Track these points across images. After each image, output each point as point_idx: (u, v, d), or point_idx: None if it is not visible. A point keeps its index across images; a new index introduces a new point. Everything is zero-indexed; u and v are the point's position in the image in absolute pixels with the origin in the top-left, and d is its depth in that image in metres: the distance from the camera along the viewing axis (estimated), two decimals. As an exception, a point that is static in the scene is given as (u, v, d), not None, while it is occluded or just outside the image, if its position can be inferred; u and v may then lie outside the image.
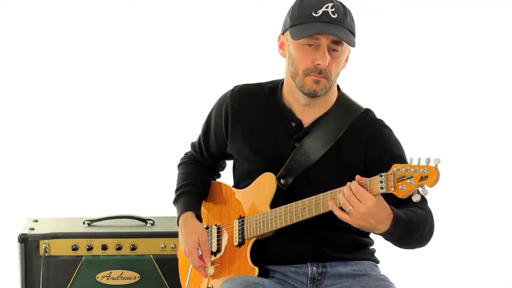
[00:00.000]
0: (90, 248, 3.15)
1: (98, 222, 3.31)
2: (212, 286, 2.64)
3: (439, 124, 4.32)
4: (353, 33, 2.45)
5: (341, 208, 2.28)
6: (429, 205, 2.44)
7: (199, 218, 2.67)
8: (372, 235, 2.57)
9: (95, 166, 4.24)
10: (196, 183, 2.74)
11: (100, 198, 4.09)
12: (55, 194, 4.15)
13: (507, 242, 4.31)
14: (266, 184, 2.53)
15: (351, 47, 2.47)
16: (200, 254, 2.60)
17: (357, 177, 2.26)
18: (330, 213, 2.32)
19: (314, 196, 2.37)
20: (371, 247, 2.62)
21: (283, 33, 2.52)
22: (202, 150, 2.77)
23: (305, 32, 2.40)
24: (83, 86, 4.26)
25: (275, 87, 2.61)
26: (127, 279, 3.17)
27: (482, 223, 4.27)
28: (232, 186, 2.70)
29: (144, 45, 4.25)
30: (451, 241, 4.09)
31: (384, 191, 2.20)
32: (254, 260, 2.52)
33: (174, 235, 3.06)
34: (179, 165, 2.83)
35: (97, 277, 3.16)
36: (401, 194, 2.18)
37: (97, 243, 3.16)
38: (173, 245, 3.17)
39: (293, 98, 2.54)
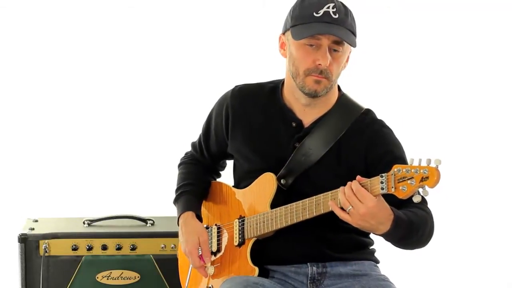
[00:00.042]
0: (90, 248, 3.15)
1: (98, 222, 3.31)
2: (212, 286, 2.64)
3: (440, 124, 4.32)
4: (354, 34, 2.45)
5: (341, 208, 2.28)
6: (429, 205, 2.44)
7: (199, 218, 2.67)
8: (372, 235, 2.56)
9: (95, 166, 4.25)
10: (196, 182, 2.74)
11: (100, 198, 4.09)
12: (55, 194, 4.15)
13: (507, 242, 4.31)
14: (266, 184, 2.53)
15: (352, 47, 2.47)
16: (200, 254, 2.60)
17: (358, 177, 2.26)
18: (331, 213, 2.32)
19: (314, 196, 2.37)
20: (371, 247, 2.62)
21: (284, 33, 2.52)
22: (202, 149, 2.77)
23: (306, 32, 2.40)
24: (83, 86, 4.26)
25: (275, 87, 2.61)
26: (127, 279, 3.17)
27: (482, 223, 4.28)
28: (233, 186, 2.70)
29: (144, 45, 4.25)
30: (451, 241, 4.09)
31: (384, 191, 2.20)
32: (254, 260, 2.52)
33: (174, 235, 3.07)
34: (179, 165, 2.83)
35: (97, 277, 3.15)
36: (401, 195, 2.18)
37: (97, 243, 3.16)
38: (173, 245, 3.17)
39: (293, 98, 2.54)
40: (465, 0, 4.25)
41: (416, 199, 2.17)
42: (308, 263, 2.52)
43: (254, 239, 2.53)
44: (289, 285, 2.52)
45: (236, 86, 2.67)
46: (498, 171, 4.34)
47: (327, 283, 2.52)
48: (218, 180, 2.83)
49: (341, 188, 2.28)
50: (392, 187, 2.19)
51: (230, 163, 2.77)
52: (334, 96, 2.55)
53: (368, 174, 2.30)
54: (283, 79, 2.59)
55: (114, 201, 3.96)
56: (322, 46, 2.41)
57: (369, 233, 2.58)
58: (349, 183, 2.26)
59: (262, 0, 4.25)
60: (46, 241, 3.13)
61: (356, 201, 2.23)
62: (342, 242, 2.54)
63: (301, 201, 2.41)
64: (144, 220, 3.34)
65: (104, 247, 3.16)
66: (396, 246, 2.38)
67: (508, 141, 4.35)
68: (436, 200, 2.45)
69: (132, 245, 3.17)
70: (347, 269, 2.53)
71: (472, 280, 4.21)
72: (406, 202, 2.26)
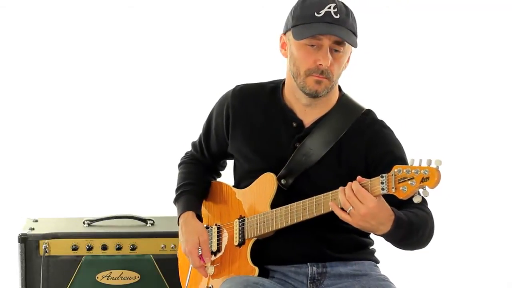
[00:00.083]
0: (90, 248, 3.15)
1: (98, 222, 3.31)
2: (212, 285, 2.64)
3: (440, 125, 4.32)
4: (355, 34, 2.45)
5: (342, 209, 2.28)
6: (429, 206, 2.44)
7: (200, 218, 2.67)
8: (372, 235, 2.56)
9: (95, 166, 4.24)
10: (196, 182, 2.74)
11: (100, 198, 4.09)
12: (55, 194, 4.15)
13: (507, 242, 4.31)
14: (266, 184, 2.53)
15: (353, 48, 2.47)
16: (200, 253, 2.60)
17: (358, 177, 2.26)
18: (331, 213, 2.32)
19: (314, 197, 2.37)
20: (371, 247, 2.62)
21: (285, 33, 2.51)
22: (202, 149, 2.77)
23: (307, 32, 2.40)
24: (83, 86, 4.26)
25: (276, 87, 2.60)
26: (127, 279, 3.17)
27: (482, 223, 4.28)
28: (233, 186, 2.70)
29: (144, 45, 4.25)
30: (451, 241, 4.09)
31: (385, 192, 2.20)
32: (254, 260, 2.52)
33: (174, 235, 3.07)
34: (179, 165, 2.83)
35: (97, 277, 3.15)
36: (402, 195, 2.18)
37: (97, 243, 3.16)
38: (173, 245, 3.17)
39: (294, 98, 2.54)
40: (465, 0, 4.25)
41: (417, 199, 2.17)
42: (308, 263, 2.52)
43: (254, 239, 2.53)
44: (289, 285, 2.52)
45: (236, 86, 2.67)
46: (498, 171, 4.34)
47: (327, 283, 2.52)
48: (218, 180, 2.83)
49: (341, 188, 2.27)
50: (393, 188, 2.19)
51: (230, 163, 2.77)
52: (335, 96, 2.55)
53: (369, 175, 2.30)
54: (284, 79, 2.59)
55: (114, 201, 3.95)
56: (323, 46, 2.41)
57: (369, 233, 2.58)
58: (349, 183, 2.26)
59: (262, 0, 4.25)
60: (46, 241, 3.13)
61: (357, 202, 2.23)
62: (342, 242, 2.54)
63: (301, 201, 2.41)
64: (144, 220, 3.33)
65: (104, 247, 3.16)
66: (397, 247, 2.38)
67: (508, 142, 4.35)
68: (436, 201, 2.45)
69: (132, 245, 3.17)
70: (347, 269, 2.53)
71: (472, 280, 4.21)
72: (407, 202, 2.26)
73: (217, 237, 2.66)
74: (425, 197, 2.22)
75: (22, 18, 4.18)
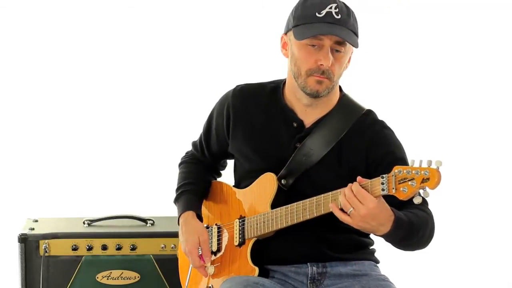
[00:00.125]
0: (90, 248, 3.15)
1: (98, 222, 3.31)
2: (212, 285, 2.64)
3: (441, 125, 4.32)
4: (356, 34, 2.45)
5: (342, 210, 2.28)
6: (429, 206, 2.44)
7: (200, 218, 2.67)
8: (372, 236, 2.56)
9: (95, 166, 4.24)
10: (197, 182, 2.74)
11: (100, 198, 4.09)
12: (55, 194, 4.15)
13: (507, 243, 4.31)
14: (267, 184, 2.53)
15: (353, 48, 2.47)
16: (200, 253, 2.60)
17: (359, 178, 2.26)
18: (331, 213, 2.32)
19: (315, 197, 2.37)
20: (371, 247, 2.62)
21: (286, 33, 2.51)
22: (203, 149, 2.77)
23: (309, 32, 2.40)
24: (83, 86, 4.26)
25: (277, 87, 2.60)
26: (127, 279, 3.17)
27: (482, 224, 4.28)
28: (233, 186, 2.69)
29: (145, 45, 4.25)
30: (451, 241, 4.09)
31: (385, 192, 2.20)
32: (254, 260, 2.52)
33: (174, 235, 3.07)
34: (180, 164, 2.83)
35: (97, 277, 3.15)
36: (402, 196, 2.18)
37: (97, 243, 3.16)
38: (173, 245, 3.17)
39: (295, 98, 2.54)
40: (465, 0, 4.25)
41: (417, 200, 2.17)
42: (308, 263, 2.52)
43: (254, 239, 2.53)
44: (289, 285, 2.52)
45: (237, 86, 2.67)
46: (499, 172, 4.34)
47: (327, 283, 2.52)
48: (218, 179, 2.83)
49: (342, 189, 2.27)
50: (393, 188, 2.19)
51: (230, 163, 2.77)
52: (336, 96, 2.55)
53: (369, 175, 2.30)
54: (285, 79, 2.59)
55: (114, 201, 3.95)
56: (324, 47, 2.41)
57: (369, 234, 2.57)
58: (349, 184, 2.26)
59: (262, 0, 4.25)
60: (46, 241, 3.13)
61: (357, 203, 2.23)
62: (342, 242, 2.54)
63: (301, 201, 2.40)
64: (144, 220, 3.33)
65: (104, 247, 3.16)
66: (397, 247, 2.38)
67: (508, 142, 4.35)
68: (437, 201, 2.45)
69: (132, 245, 3.17)
70: (347, 269, 2.53)
71: (472, 280, 4.21)
72: (407, 203, 2.26)
73: (217, 237, 2.66)
74: (425, 198, 2.21)
75: (22, 18, 4.19)
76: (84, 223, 3.28)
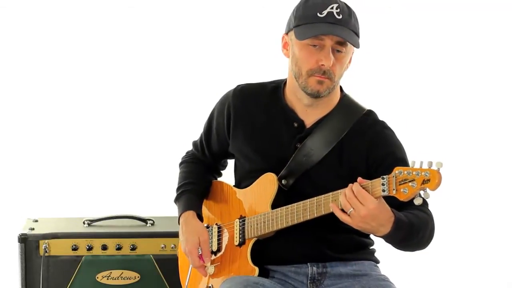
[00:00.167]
0: (90, 248, 3.15)
1: (98, 222, 3.31)
2: (212, 285, 2.64)
3: (441, 126, 4.32)
4: (357, 34, 2.45)
5: (342, 210, 2.28)
6: (430, 207, 2.44)
7: (200, 217, 2.67)
8: (372, 236, 2.56)
9: (95, 166, 4.24)
10: (197, 182, 2.74)
11: (100, 198, 4.09)
12: (55, 194, 4.15)
13: (507, 243, 4.31)
14: (267, 184, 2.53)
15: (354, 48, 2.47)
16: (200, 253, 2.60)
17: (359, 179, 2.26)
18: (331, 214, 2.32)
19: (315, 197, 2.37)
20: (371, 247, 2.62)
21: (287, 33, 2.51)
22: (203, 149, 2.77)
23: (310, 32, 2.40)
24: (83, 86, 4.26)
25: (277, 87, 2.60)
26: (127, 279, 3.17)
27: (482, 225, 4.28)
28: (233, 186, 2.69)
29: (145, 45, 4.25)
30: (451, 242, 4.09)
31: (386, 193, 2.20)
32: (254, 260, 2.52)
33: (174, 235, 3.07)
34: (180, 164, 2.83)
35: (97, 277, 3.15)
36: (402, 197, 2.18)
37: (97, 243, 3.16)
38: (173, 245, 3.17)
39: (295, 98, 2.54)
40: (466, 0, 4.25)
41: (417, 201, 2.17)
42: (308, 263, 2.52)
43: (254, 239, 2.53)
44: (289, 285, 2.52)
45: (238, 86, 2.67)
46: (499, 173, 4.34)
47: (327, 283, 2.52)
48: (219, 179, 2.83)
49: (342, 190, 2.28)
50: (393, 189, 2.19)
51: (231, 162, 2.77)
52: (336, 96, 2.55)
53: (369, 175, 2.30)
54: (285, 79, 2.59)
55: (114, 201, 3.95)
56: (326, 47, 2.41)
57: (370, 234, 2.57)
58: (350, 185, 2.26)
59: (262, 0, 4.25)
60: (46, 241, 3.13)
61: (357, 203, 2.23)
62: (342, 242, 2.54)
63: (301, 202, 2.40)
64: (144, 220, 3.33)
65: (104, 247, 3.16)
66: (397, 248, 2.39)
67: (508, 143, 4.35)
68: (437, 202, 2.45)
69: (132, 245, 3.17)
70: (347, 269, 2.53)
71: (472, 280, 4.21)
72: (407, 204, 2.26)
73: (218, 237, 2.66)
74: (425, 199, 2.21)
75: (22, 18, 4.19)
76: (84, 223, 3.28)
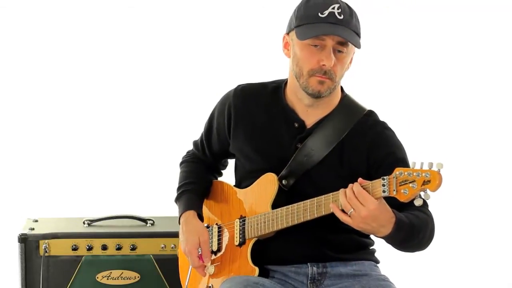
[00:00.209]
0: (90, 248, 3.15)
1: (98, 222, 3.31)
2: (212, 285, 2.64)
3: (442, 126, 4.31)
4: (358, 35, 2.45)
5: (342, 211, 2.28)
6: (430, 207, 2.44)
7: (201, 217, 2.67)
8: (372, 236, 2.56)
9: (95, 166, 4.24)
10: (198, 181, 2.74)
11: (100, 198, 4.09)
12: (55, 194, 4.15)
13: (507, 244, 4.31)
14: (267, 184, 2.53)
15: (355, 49, 2.47)
16: (200, 253, 2.60)
17: (360, 179, 2.26)
18: (331, 214, 2.32)
19: (315, 198, 2.37)
20: (371, 248, 2.62)
21: (288, 33, 2.51)
22: (204, 148, 2.77)
23: (311, 32, 2.40)
24: (83, 86, 4.26)
25: (278, 87, 2.60)
26: (127, 279, 3.17)
27: (482, 225, 4.28)
28: (234, 186, 2.69)
29: (145, 45, 4.25)
30: (452, 242, 4.09)
31: (386, 194, 2.20)
32: (255, 260, 2.52)
33: (174, 235, 3.07)
34: (181, 163, 2.83)
35: (97, 277, 3.15)
36: (403, 198, 2.18)
37: (97, 243, 3.16)
38: (173, 245, 3.17)
39: (296, 98, 2.54)
40: (465, 1, 4.25)
41: (418, 202, 2.17)
42: (308, 263, 2.52)
43: (254, 239, 2.53)
44: (289, 285, 2.52)
45: (238, 86, 2.67)
46: (499, 174, 4.34)
47: (327, 283, 2.52)
48: (219, 179, 2.83)
49: (342, 190, 2.28)
50: (394, 190, 2.19)
51: (231, 162, 2.77)
52: (337, 97, 2.55)
53: (369, 176, 2.31)
54: (286, 79, 2.59)
55: (114, 201, 3.95)
56: (327, 47, 2.41)
57: (370, 234, 2.58)
58: (350, 185, 2.26)
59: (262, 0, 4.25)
60: (46, 241, 3.12)
61: (358, 204, 2.23)
62: (343, 242, 2.54)
63: (302, 202, 2.40)
64: (144, 220, 3.33)
65: (104, 247, 3.16)
66: (397, 249, 2.39)
67: (509, 145, 4.35)
68: (437, 203, 2.45)
69: (132, 245, 3.17)
70: (347, 269, 2.53)
71: (472, 280, 4.21)
72: (407, 204, 2.26)
73: (218, 237, 2.66)
74: (426, 200, 2.22)
75: (22, 18, 4.18)
76: (84, 223, 3.28)
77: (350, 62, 2.50)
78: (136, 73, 4.26)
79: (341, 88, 2.58)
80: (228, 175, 2.82)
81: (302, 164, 2.50)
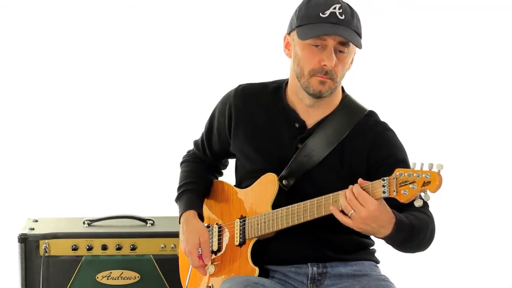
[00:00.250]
0: (90, 248, 3.15)
1: (98, 222, 3.31)
2: (212, 285, 2.64)
3: (442, 126, 4.31)
4: (359, 35, 2.45)
5: (342, 212, 2.28)
6: (430, 208, 2.44)
7: (201, 217, 2.67)
8: (372, 236, 2.56)
9: (95, 166, 4.24)
10: (198, 181, 2.74)
11: (100, 198, 4.09)
12: (55, 194, 4.15)
13: (507, 244, 4.31)
14: (268, 184, 2.53)
15: (356, 49, 2.47)
16: (200, 253, 2.60)
17: (360, 180, 2.26)
18: (331, 215, 2.32)
19: (316, 198, 2.37)
20: (371, 248, 2.62)
21: (289, 33, 2.51)
22: (204, 148, 2.77)
23: (312, 32, 2.40)
24: (83, 86, 4.25)
25: (279, 87, 2.60)
26: (127, 279, 3.17)
27: (482, 226, 4.28)
28: (234, 185, 2.69)
29: (145, 45, 4.25)
30: (451, 242, 4.09)
31: (386, 195, 2.20)
32: (255, 260, 2.52)
33: (174, 235, 3.07)
34: (181, 163, 2.83)
35: (97, 277, 3.15)
36: (403, 199, 2.18)
37: (97, 243, 3.16)
38: (173, 245, 3.17)
39: (297, 98, 2.54)
40: (465, 0, 4.25)
41: (418, 203, 2.17)
42: (309, 263, 2.52)
43: (255, 239, 2.53)
44: (289, 285, 2.52)
45: (239, 85, 2.66)
46: (499, 175, 4.34)
47: (327, 283, 2.52)
48: (220, 178, 2.83)
49: (342, 191, 2.28)
50: (394, 191, 2.19)
51: (232, 162, 2.77)
52: (338, 97, 2.55)
53: (369, 176, 2.31)
54: (287, 79, 2.59)
55: (114, 201, 3.95)
56: (328, 47, 2.41)
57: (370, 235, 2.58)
58: (350, 186, 2.26)
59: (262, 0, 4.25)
60: (46, 241, 3.12)
61: (358, 205, 2.23)
62: (343, 243, 2.54)
63: (302, 202, 2.40)
64: (144, 220, 3.33)
65: (104, 247, 3.16)
66: (397, 250, 2.39)
67: (509, 146, 4.35)
68: (437, 203, 2.45)
69: (132, 245, 3.17)
70: (348, 269, 2.53)
71: (472, 281, 4.22)
72: (407, 205, 2.26)
73: (218, 236, 2.66)
74: (426, 201, 2.21)
75: (22, 18, 4.18)
76: (84, 223, 3.28)
77: (351, 62, 2.50)
78: (136, 73, 4.26)
79: (342, 88, 2.58)
80: (228, 175, 2.82)
81: (303, 165, 2.50)
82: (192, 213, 2.66)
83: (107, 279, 3.16)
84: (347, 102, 2.55)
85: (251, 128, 2.60)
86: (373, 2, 4.16)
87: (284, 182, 2.51)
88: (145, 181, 4.18)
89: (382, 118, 2.56)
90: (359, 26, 2.45)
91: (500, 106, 4.35)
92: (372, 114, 2.55)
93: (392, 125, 2.54)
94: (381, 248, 2.60)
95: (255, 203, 2.56)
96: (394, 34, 4.26)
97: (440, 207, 2.58)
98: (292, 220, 2.43)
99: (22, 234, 3.13)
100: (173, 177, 2.84)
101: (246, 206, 2.60)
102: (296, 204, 2.42)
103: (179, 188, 2.74)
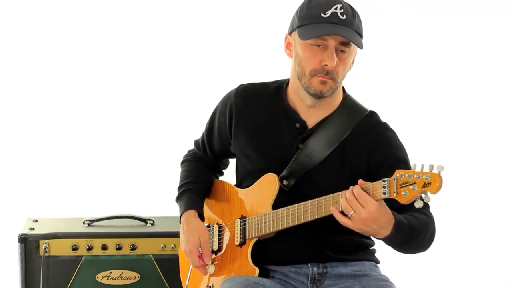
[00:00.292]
0: (90, 248, 3.15)
1: (98, 222, 3.31)
2: (212, 284, 2.64)
3: (443, 125, 4.31)
4: (361, 35, 2.45)
5: (342, 213, 2.28)
6: (430, 209, 2.44)
7: (201, 217, 2.67)
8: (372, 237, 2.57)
9: (95, 166, 4.23)
10: (198, 181, 2.74)
11: (100, 198, 4.09)
12: (55, 194, 4.14)
13: (506, 244, 4.31)
14: (268, 184, 2.53)
15: (358, 49, 2.47)
16: (200, 253, 2.60)
17: (360, 181, 2.26)
18: (332, 215, 2.32)
19: (316, 199, 2.37)
20: (371, 248, 2.62)
21: (290, 33, 2.51)
22: (205, 148, 2.77)
23: (314, 32, 2.40)
24: (83, 86, 4.25)
25: (280, 87, 2.60)
26: (127, 279, 3.17)
27: (482, 226, 4.28)
28: (235, 185, 2.69)
29: (145, 45, 4.24)
30: (451, 243, 4.09)
31: (386, 196, 2.20)
32: (255, 260, 2.52)
33: (174, 235, 3.08)
34: (182, 163, 2.83)
35: (97, 277, 3.15)
36: (403, 200, 2.18)
37: (97, 243, 3.16)
38: (173, 245, 3.17)
39: (298, 98, 2.53)
40: (465, 0, 4.25)
41: (418, 204, 2.17)
42: (309, 264, 2.53)
43: (255, 239, 2.53)
44: (289, 285, 2.53)
45: (240, 85, 2.66)
46: (499, 176, 4.34)
47: (327, 283, 2.52)
48: (220, 178, 2.83)
49: (343, 192, 2.28)
50: (394, 192, 2.19)
51: (232, 162, 2.77)
52: (339, 97, 2.55)
53: (370, 177, 2.31)
54: (288, 79, 2.58)
55: (114, 201, 3.95)
56: (329, 47, 2.41)
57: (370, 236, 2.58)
58: (350, 187, 2.26)
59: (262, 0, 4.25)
60: (46, 241, 3.13)
61: (358, 206, 2.23)
62: (343, 243, 2.54)
63: (303, 203, 2.40)
64: (144, 220, 3.34)
65: (104, 247, 3.16)
66: (397, 250, 2.39)
67: (510, 147, 4.35)
68: (438, 204, 2.45)
69: (132, 245, 3.17)
70: (348, 269, 2.53)
71: (472, 281, 4.22)
72: (408, 206, 2.26)
73: (218, 236, 2.66)
74: (426, 202, 2.21)
75: (22, 18, 4.18)
76: (84, 223, 3.28)
77: (352, 63, 2.50)
78: (137, 73, 4.25)
79: (343, 88, 2.58)
80: (229, 175, 2.82)
81: (303, 165, 2.50)
82: (192, 213, 2.66)
83: (107, 279, 3.16)
84: (348, 102, 2.55)
85: (251, 128, 2.60)
86: (373, 2, 4.16)
87: (284, 182, 2.51)
88: (145, 181, 4.18)
89: (383, 118, 2.56)
90: (361, 26, 2.45)
91: (501, 106, 4.34)
92: (373, 115, 2.55)
93: (392, 126, 2.55)
94: (381, 248, 2.59)
95: (256, 203, 2.56)
96: (395, 34, 4.26)
97: (440, 208, 2.58)
98: (292, 221, 2.43)
99: (22, 234, 3.13)
100: (173, 177, 2.84)
101: (247, 206, 2.60)
102: (296, 204, 2.42)
103: (179, 188, 2.74)
